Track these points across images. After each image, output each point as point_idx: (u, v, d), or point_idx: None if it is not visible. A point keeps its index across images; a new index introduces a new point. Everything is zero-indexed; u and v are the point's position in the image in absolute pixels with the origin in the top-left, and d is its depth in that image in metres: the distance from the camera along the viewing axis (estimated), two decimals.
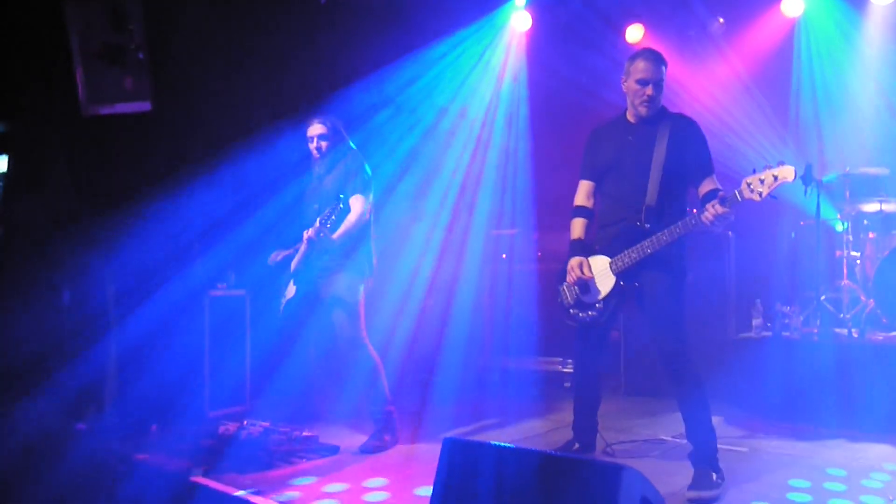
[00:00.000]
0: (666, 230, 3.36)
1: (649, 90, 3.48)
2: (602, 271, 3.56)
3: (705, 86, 6.50)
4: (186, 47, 4.79)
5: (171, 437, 4.20)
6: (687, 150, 3.48)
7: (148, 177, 5.02)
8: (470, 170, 6.33)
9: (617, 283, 3.50)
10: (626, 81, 3.58)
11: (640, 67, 3.49)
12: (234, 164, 5.35)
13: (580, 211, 3.78)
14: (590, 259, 3.61)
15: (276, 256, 4.49)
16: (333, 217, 4.05)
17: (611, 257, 3.53)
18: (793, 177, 3.14)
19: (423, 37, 6.17)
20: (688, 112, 3.70)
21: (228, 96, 5.27)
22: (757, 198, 3.18)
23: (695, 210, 3.38)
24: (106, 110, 4.23)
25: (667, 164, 3.45)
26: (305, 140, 4.39)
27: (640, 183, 3.49)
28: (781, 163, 3.18)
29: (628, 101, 3.60)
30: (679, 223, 3.33)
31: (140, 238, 4.86)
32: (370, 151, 4.87)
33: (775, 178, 3.16)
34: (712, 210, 3.24)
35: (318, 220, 4.09)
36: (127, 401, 4.63)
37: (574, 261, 3.62)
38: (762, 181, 3.18)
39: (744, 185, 3.21)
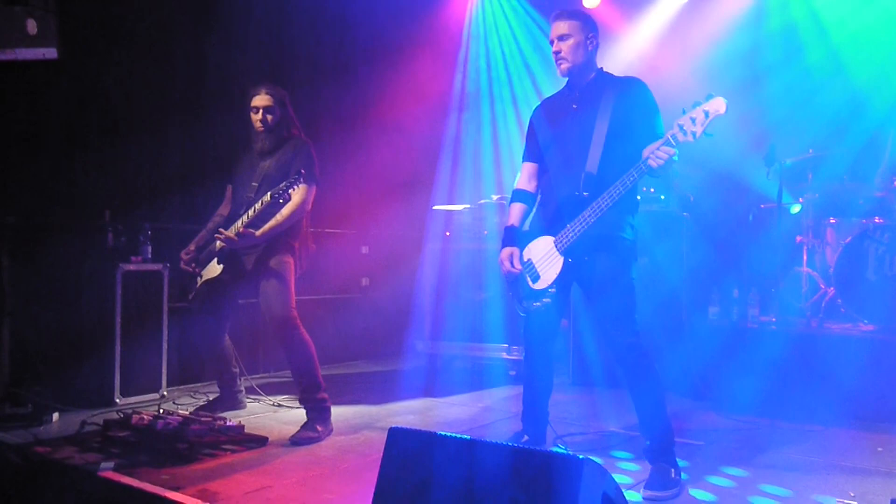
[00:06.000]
0: (605, 193, 3.25)
1: (555, 47, 3.50)
2: (548, 253, 3.43)
3: (668, 56, 6.54)
4: None
5: (77, 428, 4.02)
6: (633, 113, 3.40)
7: (51, 135, 4.77)
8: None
9: (565, 261, 3.38)
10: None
11: (552, 28, 3.53)
12: (153, 122, 5.12)
13: (519, 195, 3.69)
14: (533, 242, 3.51)
15: (187, 255, 4.35)
16: (266, 204, 3.94)
17: (554, 235, 3.42)
18: (724, 108, 3.03)
19: None
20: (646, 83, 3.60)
21: (148, 44, 5.04)
22: (691, 139, 3.08)
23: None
24: (5, 56, 3.95)
25: (611, 129, 3.37)
26: (242, 105, 4.24)
27: (580, 152, 3.40)
28: (710, 96, 3.08)
29: None
30: (617, 182, 3.22)
31: (41, 204, 4.61)
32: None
33: (706, 113, 3.05)
34: (662, 152, 3.09)
35: (243, 215, 4.00)
36: (25, 388, 4.41)
37: (505, 252, 3.55)
38: (693, 119, 3.07)
39: (675, 128, 3.10)
